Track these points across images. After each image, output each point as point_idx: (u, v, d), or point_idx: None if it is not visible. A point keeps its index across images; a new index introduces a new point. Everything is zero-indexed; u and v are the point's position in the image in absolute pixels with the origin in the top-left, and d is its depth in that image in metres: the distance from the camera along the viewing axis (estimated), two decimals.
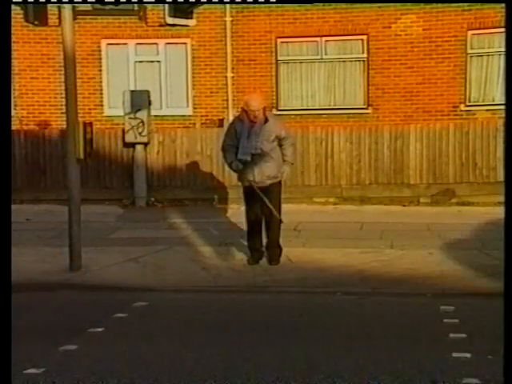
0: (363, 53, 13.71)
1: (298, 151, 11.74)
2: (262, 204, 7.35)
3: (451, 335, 5.02)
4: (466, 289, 6.44)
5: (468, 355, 4.56)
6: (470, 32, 13.23)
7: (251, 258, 7.47)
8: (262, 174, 7.25)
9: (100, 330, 5.30)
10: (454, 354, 4.58)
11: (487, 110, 13.13)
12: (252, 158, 7.22)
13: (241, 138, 7.25)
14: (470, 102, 13.46)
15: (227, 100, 13.86)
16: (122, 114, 11.90)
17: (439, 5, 13.10)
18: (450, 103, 13.42)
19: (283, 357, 4.61)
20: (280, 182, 7.47)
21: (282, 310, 5.91)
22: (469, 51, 13.35)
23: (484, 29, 13.07)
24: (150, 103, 11.80)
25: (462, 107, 13.38)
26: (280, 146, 7.28)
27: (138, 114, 11.59)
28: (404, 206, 11.21)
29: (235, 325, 5.46)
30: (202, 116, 13.96)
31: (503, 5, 3.82)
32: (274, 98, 13.83)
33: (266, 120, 7.23)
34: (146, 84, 13.34)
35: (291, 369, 4.37)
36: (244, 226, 8.17)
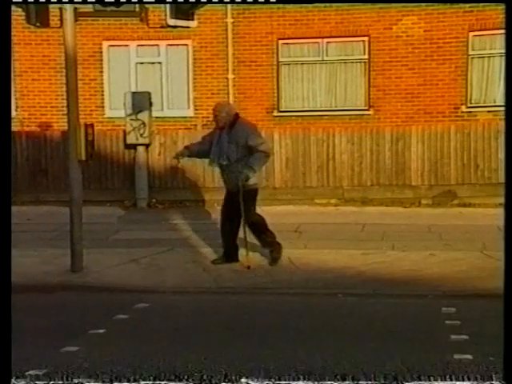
0: (364, 54, 13.70)
1: (299, 152, 11.80)
2: (238, 207, 7.21)
3: (453, 337, 5.02)
4: (468, 290, 6.43)
5: (469, 357, 4.56)
6: (471, 33, 13.23)
7: (219, 257, 7.43)
8: (229, 181, 7.19)
9: (101, 331, 5.30)
10: (456, 356, 4.57)
11: (488, 111, 13.12)
12: (221, 164, 7.15)
13: (212, 143, 7.22)
14: (471, 103, 13.46)
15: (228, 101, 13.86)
16: (123, 115, 11.91)
17: (441, 6, 13.10)
18: (452, 104, 13.41)
19: (284, 358, 4.61)
20: (251, 189, 7.13)
21: (282, 312, 5.91)
22: (470, 52, 13.34)
23: (485, 30, 13.07)
24: (151, 105, 11.81)
25: (464, 108, 13.38)
26: (251, 154, 7.00)
27: (140, 116, 11.60)
28: (405, 207, 11.21)
29: (236, 326, 5.46)
30: (203, 117, 13.95)
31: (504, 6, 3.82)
32: (276, 99, 13.83)
33: (232, 128, 7.06)
34: (147, 85, 13.34)
35: (292, 370, 4.37)
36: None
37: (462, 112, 13.34)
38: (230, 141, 7.04)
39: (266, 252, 7.55)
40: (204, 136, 7.62)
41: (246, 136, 7.03)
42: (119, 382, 4.22)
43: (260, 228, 7.32)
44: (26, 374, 4.36)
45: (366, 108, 13.72)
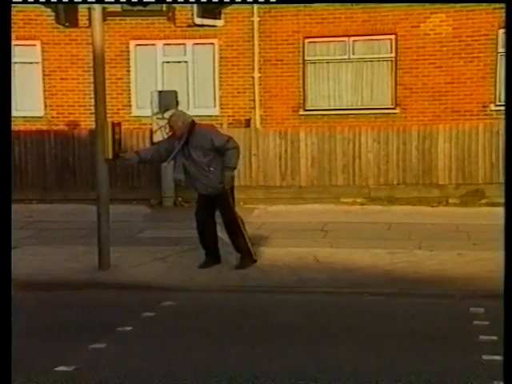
0: (391, 52, 13.62)
1: (325, 151, 11.76)
2: (215, 209, 7.30)
3: (481, 337, 4.97)
4: (496, 290, 6.33)
5: (498, 358, 4.49)
6: (501, 31, 13.06)
7: (204, 261, 7.39)
8: (204, 187, 7.20)
9: (128, 328, 5.34)
10: (485, 357, 4.53)
11: None
12: (190, 172, 7.13)
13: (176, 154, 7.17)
14: (500, 101, 13.27)
15: (254, 100, 13.87)
16: (149, 114, 11.98)
17: (469, 4, 12.95)
18: (480, 103, 13.27)
19: (310, 357, 4.60)
20: (228, 189, 7.19)
21: (309, 311, 5.90)
22: (500, 50, 13.17)
23: None
24: (177, 103, 11.86)
25: (492, 107, 13.22)
26: (222, 154, 7.01)
27: (166, 114, 11.64)
28: (432, 206, 11.11)
29: (262, 325, 5.46)
30: (228, 116, 13.99)
31: None
32: (302, 98, 13.80)
33: (190, 135, 7.00)
34: (173, 84, 13.40)
35: (317, 369, 4.36)
36: (271, 226, 8.17)
37: (491, 110, 13.18)
38: (194, 148, 7.01)
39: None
40: (159, 142, 7.63)
41: (210, 138, 7.05)
42: (146, 379, 4.25)
43: (236, 230, 7.28)
44: (55, 370, 4.41)
45: (393, 106, 13.62)
